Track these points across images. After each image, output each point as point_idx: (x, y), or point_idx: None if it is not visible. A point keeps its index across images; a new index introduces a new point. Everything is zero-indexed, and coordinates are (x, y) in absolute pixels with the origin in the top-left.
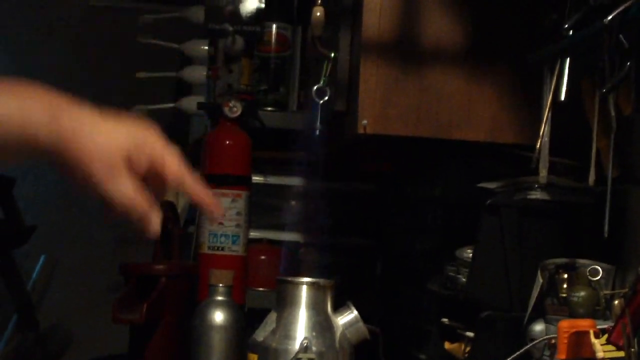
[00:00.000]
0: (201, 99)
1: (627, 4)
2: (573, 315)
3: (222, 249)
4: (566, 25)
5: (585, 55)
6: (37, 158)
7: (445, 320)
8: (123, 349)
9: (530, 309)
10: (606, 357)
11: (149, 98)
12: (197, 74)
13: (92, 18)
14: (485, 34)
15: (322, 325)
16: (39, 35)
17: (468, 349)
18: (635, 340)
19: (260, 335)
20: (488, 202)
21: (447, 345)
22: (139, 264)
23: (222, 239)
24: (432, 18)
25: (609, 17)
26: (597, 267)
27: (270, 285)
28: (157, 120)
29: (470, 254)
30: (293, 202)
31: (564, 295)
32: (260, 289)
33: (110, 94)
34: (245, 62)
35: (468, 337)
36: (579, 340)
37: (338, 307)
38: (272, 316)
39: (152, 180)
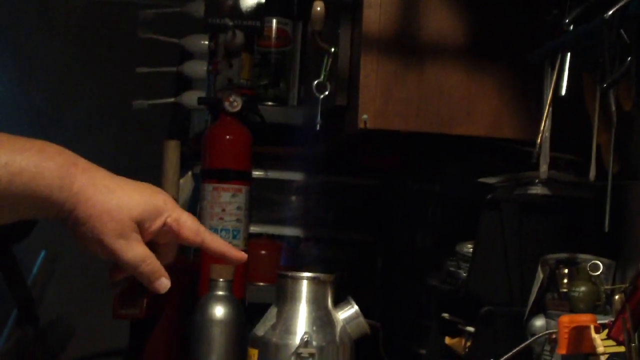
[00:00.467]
0: (201, 93)
1: None
2: (573, 310)
3: None
4: (567, 20)
5: (586, 50)
6: (50, 216)
7: (445, 315)
8: (123, 344)
9: (530, 304)
10: (607, 352)
11: (149, 93)
12: (197, 68)
13: (92, 13)
14: (485, 28)
15: (322, 320)
16: (39, 31)
17: (468, 344)
18: (636, 335)
19: (261, 330)
20: (488, 197)
21: (447, 340)
22: None
23: (223, 233)
24: (432, 13)
25: (610, 12)
26: (597, 262)
27: (271, 280)
28: (157, 115)
29: (471, 249)
30: (293, 197)
31: (565, 290)
32: (261, 283)
33: (110, 89)
34: (245, 57)
35: (468, 332)
36: (580, 335)
37: (338, 302)
38: (273, 311)
39: (162, 239)
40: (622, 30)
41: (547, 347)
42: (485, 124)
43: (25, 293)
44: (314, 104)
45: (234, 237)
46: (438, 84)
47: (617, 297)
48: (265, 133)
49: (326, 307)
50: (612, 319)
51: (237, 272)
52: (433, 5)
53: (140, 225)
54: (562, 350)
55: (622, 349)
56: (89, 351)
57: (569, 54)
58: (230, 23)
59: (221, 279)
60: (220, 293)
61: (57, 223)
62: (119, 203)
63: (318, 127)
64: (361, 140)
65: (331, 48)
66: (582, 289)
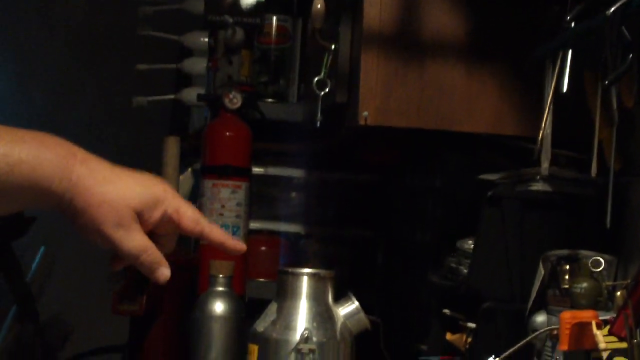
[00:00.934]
0: (201, 90)
1: None
2: (575, 306)
3: None
4: (568, 18)
5: (588, 47)
6: (49, 207)
7: (446, 311)
8: (123, 340)
9: (532, 300)
10: (608, 348)
11: (149, 90)
12: (197, 65)
13: (92, 11)
14: (486, 25)
15: (322, 316)
16: (39, 29)
17: (469, 340)
18: (638, 331)
19: (261, 325)
20: (489, 193)
21: (448, 336)
22: None
23: (222, 230)
24: (433, 10)
25: (611, 9)
26: (599, 258)
27: (271, 276)
28: (157, 111)
29: (472, 245)
30: (293, 194)
31: (566, 286)
32: (261, 279)
33: (110, 86)
34: (245, 53)
35: (469, 328)
36: (581, 331)
37: (339, 298)
38: (273, 307)
39: (162, 229)
40: (623, 27)
41: (549, 344)
42: (486, 121)
43: (24, 289)
44: (314, 101)
45: (234, 233)
46: (439, 81)
47: (618, 293)
48: (265, 130)
49: (326, 303)
50: (614, 315)
51: (237, 268)
52: (434, 2)
53: (140, 215)
54: (563, 346)
55: (624, 345)
56: (88, 347)
57: (570, 51)
58: (230, 20)
59: (221, 275)
60: (220, 289)
61: (57, 219)
62: (119, 193)
63: (318, 123)
64: (361, 137)
65: (331, 45)
66: (584, 285)
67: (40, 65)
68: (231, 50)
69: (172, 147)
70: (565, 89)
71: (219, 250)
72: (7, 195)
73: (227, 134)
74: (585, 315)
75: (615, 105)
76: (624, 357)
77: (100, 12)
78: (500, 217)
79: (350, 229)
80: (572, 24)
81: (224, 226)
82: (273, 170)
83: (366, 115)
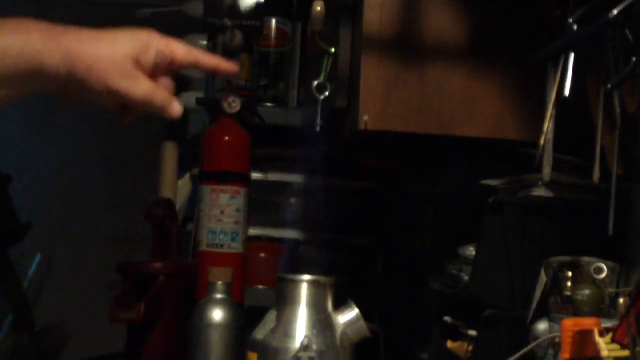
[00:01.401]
0: (200, 94)
1: None
2: (577, 313)
3: (221, 246)
4: (570, 21)
5: (590, 50)
6: (53, 85)
7: (447, 318)
8: (120, 348)
9: (533, 307)
10: (611, 355)
11: None
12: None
13: (90, 13)
14: (487, 29)
15: (322, 323)
16: None
17: (470, 347)
18: None
19: (260, 333)
20: (491, 199)
21: (449, 344)
22: (136, 262)
23: (221, 236)
24: (433, 13)
25: (614, 12)
26: (601, 265)
27: (270, 283)
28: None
29: (473, 252)
30: (293, 199)
31: (568, 293)
32: (260, 286)
33: None
34: (244, 57)
35: (470, 336)
36: (583, 338)
37: (339, 305)
38: (272, 314)
39: (158, 72)
40: (626, 30)
41: (551, 351)
42: (487, 126)
43: (20, 297)
44: (313, 105)
45: (233, 239)
46: (439, 85)
47: (621, 300)
48: (264, 134)
49: (326, 310)
50: (617, 323)
51: (236, 275)
52: (434, 5)
53: (137, 62)
54: (565, 354)
55: (626, 352)
56: (85, 355)
57: (572, 55)
58: (229, 23)
59: (219, 282)
60: (219, 296)
61: (53, 226)
62: (112, 47)
63: (318, 128)
64: (361, 142)
65: (331, 48)
66: (586, 292)
67: None
68: (230, 53)
69: (170, 152)
70: (567, 93)
71: (217, 258)
72: (6, 82)
73: (226, 138)
74: (588, 322)
75: (618, 110)
76: None
77: (98, 14)
78: (502, 223)
79: (350, 235)
80: (574, 27)
81: (223, 232)
82: (272, 176)
83: (366, 119)
